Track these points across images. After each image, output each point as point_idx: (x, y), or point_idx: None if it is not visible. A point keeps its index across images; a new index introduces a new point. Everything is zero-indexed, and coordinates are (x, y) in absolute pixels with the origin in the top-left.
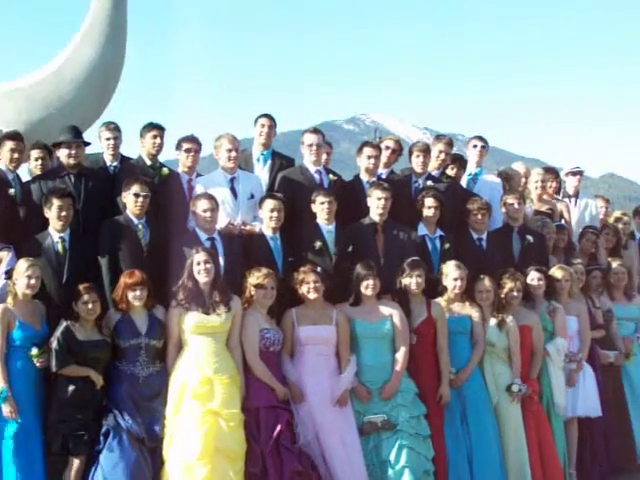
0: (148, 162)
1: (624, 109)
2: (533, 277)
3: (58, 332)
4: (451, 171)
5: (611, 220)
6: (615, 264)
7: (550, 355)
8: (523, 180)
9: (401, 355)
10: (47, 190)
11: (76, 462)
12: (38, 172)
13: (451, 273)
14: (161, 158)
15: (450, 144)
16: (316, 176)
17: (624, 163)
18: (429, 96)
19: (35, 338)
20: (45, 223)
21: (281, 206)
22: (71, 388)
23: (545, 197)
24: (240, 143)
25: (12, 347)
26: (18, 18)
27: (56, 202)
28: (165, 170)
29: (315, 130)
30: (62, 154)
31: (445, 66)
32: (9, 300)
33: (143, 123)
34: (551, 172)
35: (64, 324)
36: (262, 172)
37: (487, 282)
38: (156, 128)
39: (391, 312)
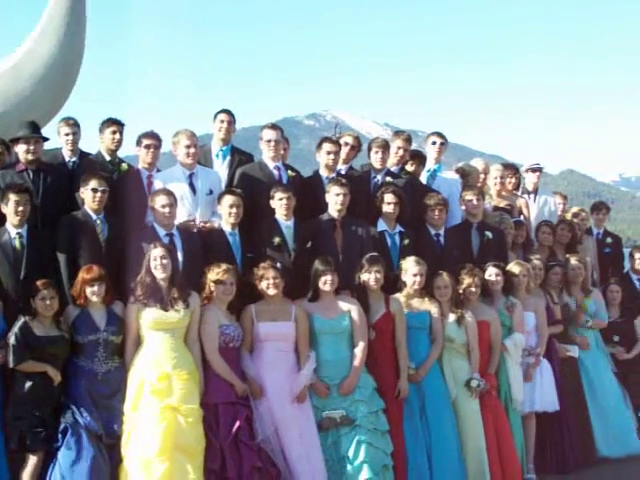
0: (107, 157)
1: (584, 106)
2: (491, 273)
3: (16, 328)
4: (410, 167)
5: (568, 216)
6: (573, 260)
7: (508, 350)
8: (482, 176)
9: (359, 350)
10: (4, 185)
11: (33, 459)
12: None
13: (410, 269)
14: (121, 154)
15: (409, 140)
16: (275, 172)
17: (583, 160)
18: (390, 92)
19: None
20: (2, 219)
21: (240, 202)
22: (28, 384)
23: (504, 193)
24: (199, 139)
25: None
26: None
27: (13, 197)
28: (124, 166)
29: (274, 126)
30: (20, 149)
31: (406, 62)
32: None
33: (102, 118)
34: (510, 168)
35: (22, 320)
36: (221, 168)
37: (446, 278)
38: (115, 124)
39: (349, 308)
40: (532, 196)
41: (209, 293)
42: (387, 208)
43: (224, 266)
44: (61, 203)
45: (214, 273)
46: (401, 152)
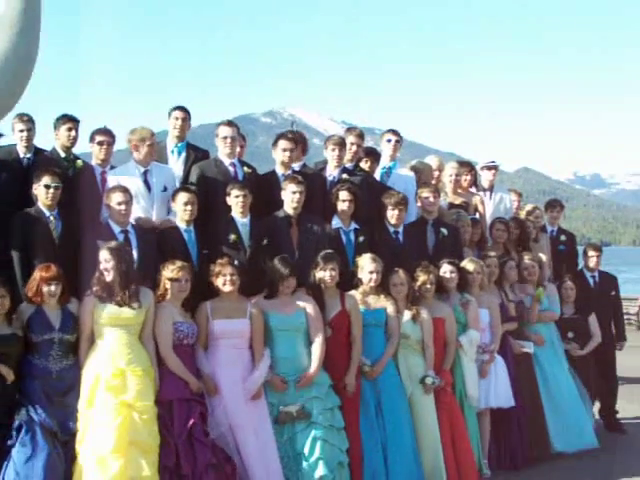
0: (62, 154)
1: (539, 104)
2: (446, 270)
3: None
4: (365, 164)
5: (523, 214)
6: (526, 259)
7: (463, 347)
8: (437, 173)
9: (318, 345)
10: None
11: None
12: None
13: (366, 266)
14: (75, 150)
15: (361, 136)
16: (230, 169)
17: (538, 158)
18: (347, 90)
19: None
20: None
21: (194, 199)
22: None
23: (460, 190)
24: (155, 136)
25: None
26: None
27: None
28: (79, 162)
29: (230, 122)
30: None
31: (361, 59)
32: None
33: (57, 115)
34: (466, 165)
35: None
36: (176, 164)
37: (401, 275)
38: (71, 120)
39: (305, 305)
40: (488, 193)
41: (164, 290)
42: (342, 205)
43: (179, 263)
44: (15, 200)
45: (169, 270)
46: (354, 148)
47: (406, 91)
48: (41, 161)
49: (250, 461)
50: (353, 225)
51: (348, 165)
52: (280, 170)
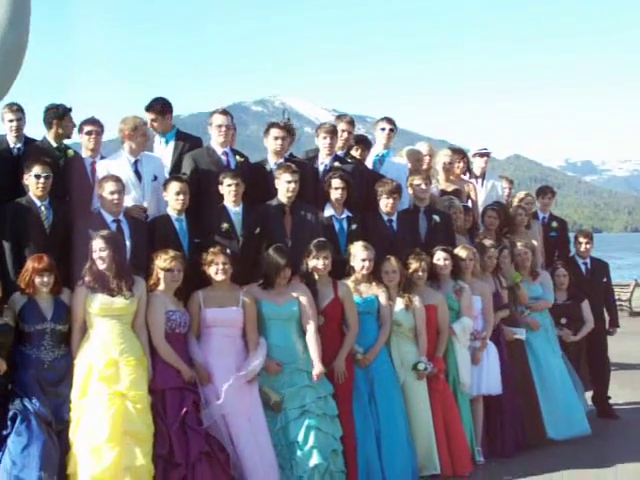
0: (54, 144)
1: (530, 91)
2: (439, 257)
3: None
4: (356, 152)
5: (516, 201)
6: (519, 245)
7: (456, 334)
8: (427, 159)
9: (312, 336)
10: None
11: None
12: None
13: (359, 254)
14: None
15: (352, 123)
16: (223, 158)
17: (529, 145)
18: (338, 78)
19: None
20: None
21: (186, 188)
22: None
23: (452, 178)
24: (146, 125)
25: None
26: None
27: None
28: (71, 152)
29: (224, 111)
30: None
31: (353, 48)
32: None
33: (46, 104)
34: (458, 153)
35: None
36: (165, 152)
37: (393, 262)
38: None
39: (298, 294)
40: (479, 181)
41: (156, 279)
42: (335, 193)
43: (172, 253)
44: (6, 190)
45: (162, 260)
46: (345, 135)
47: (397, 79)
48: (32, 151)
49: (244, 449)
50: (346, 213)
51: (339, 153)
52: (272, 159)
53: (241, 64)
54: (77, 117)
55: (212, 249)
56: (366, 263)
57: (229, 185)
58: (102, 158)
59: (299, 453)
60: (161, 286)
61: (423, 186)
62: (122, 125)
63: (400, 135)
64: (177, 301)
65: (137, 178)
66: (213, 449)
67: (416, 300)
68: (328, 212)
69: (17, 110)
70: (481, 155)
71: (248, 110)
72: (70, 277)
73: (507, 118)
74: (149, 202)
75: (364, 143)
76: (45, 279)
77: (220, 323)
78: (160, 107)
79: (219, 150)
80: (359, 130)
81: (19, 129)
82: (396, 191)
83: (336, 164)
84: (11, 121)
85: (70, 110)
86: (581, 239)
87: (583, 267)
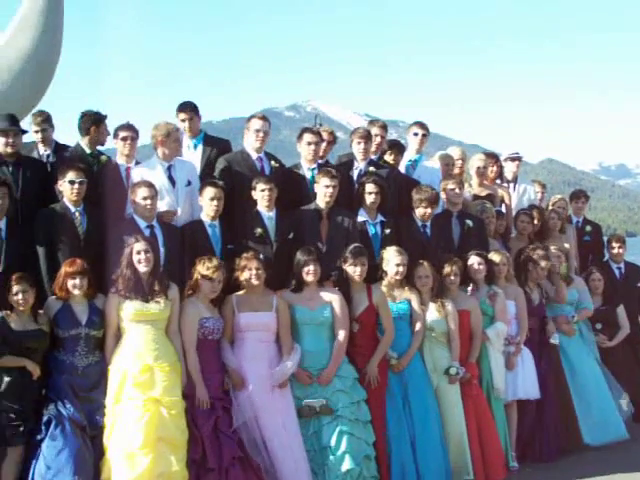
0: (87, 150)
1: (563, 95)
2: (474, 261)
3: None
4: (389, 157)
5: (549, 205)
6: (552, 249)
7: (490, 339)
8: (459, 163)
9: (339, 341)
10: None
11: (13, 452)
12: None
13: (392, 259)
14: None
15: (384, 127)
16: (257, 163)
17: (563, 149)
18: (370, 83)
19: None
20: None
21: (221, 194)
22: (7, 379)
23: (486, 182)
24: (179, 130)
25: None
26: None
27: None
28: (104, 158)
29: (263, 117)
30: None
31: (385, 53)
32: None
33: (80, 110)
34: (492, 157)
35: None
36: (193, 156)
37: (426, 267)
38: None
39: (331, 298)
40: (511, 185)
41: (195, 285)
42: (369, 198)
43: (215, 262)
44: (41, 196)
45: (204, 267)
46: (378, 139)
47: (429, 83)
48: (66, 157)
49: (277, 453)
50: (379, 217)
51: (373, 157)
52: (305, 164)
53: (273, 69)
54: (110, 123)
55: (245, 254)
56: (400, 268)
57: (262, 190)
58: (136, 164)
59: (331, 458)
60: (198, 292)
61: (457, 190)
62: (155, 131)
63: (432, 139)
64: (212, 307)
65: (171, 184)
66: (246, 454)
67: (449, 305)
68: (362, 217)
69: (42, 121)
70: (512, 159)
71: (280, 115)
72: (104, 283)
73: (540, 122)
74: (182, 207)
75: (397, 148)
76: (78, 282)
77: (254, 327)
78: (190, 108)
79: (254, 155)
80: (391, 135)
81: (45, 138)
82: (435, 201)
83: (371, 169)
84: (37, 132)
85: (106, 117)
86: (614, 243)
87: (617, 271)
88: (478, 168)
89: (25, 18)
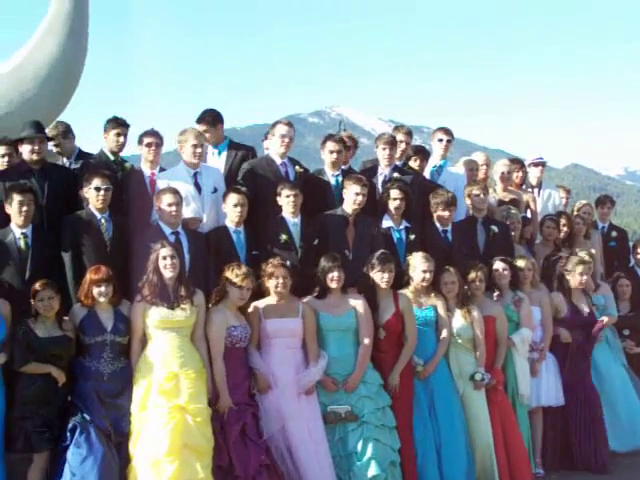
0: (111, 157)
1: (588, 99)
2: (498, 267)
3: (18, 330)
4: (414, 163)
5: (576, 210)
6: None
7: (515, 345)
8: (484, 169)
9: (364, 348)
10: (8, 185)
11: (39, 459)
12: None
13: (419, 265)
14: (124, 153)
15: (409, 133)
16: (281, 168)
17: (588, 154)
18: (394, 89)
19: None
20: (8, 219)
21: (245, 201)
22: (33, 385)
23: (510, 188)
24: (205, 138)
25: None
26: None
27: (16, 197)
28: (128, 165)
29: (288, 123)
30: (25, 150)
31: (409, 58)
32: None
33: (107, 117)
34: (516, 162)
35: (24, 322)
36: (218, 162)
37: (452, 273)
38: (120, 125)
39: (355, 304)
40: (536, 190)
41: (223, 292)
42: (393, 204)
43: (244, 269)
44: (67, 203)
45: (234, 275)
46: (403, 145)
47: (454, 89)
48: (90, 164)
49: (302, 459)
50: (404, 223)
51: (398, 163)
52: (329, 170)
53: (298, 76)
54: (134, 130)
55: (272, 261)
56: (427, 275)
57: (288, 196)
58: (161, 170)
59: (357, 464)
60: (226, 299)
61: (481, 196)
62: (181, 137)
63: (457, 145)
64: (239, 315)
65: (197, 190)
66: (272, 461)
67: (474, 311)
68: (386, 223)
69: (56, 135)
70: (536, 164)
71: (304, 121)
72: (129, 289)
73: (565, 127)
74: (208, 214)
75: (423, 154)
76: (103, 289)
77: (280, 334)
78: (211, 118)
79: (278, 160)
80: (416, 141)
81: (62, 150)
82: (452, 203)
83: (395, 175)
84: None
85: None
86: (639, 249)
87: None
88: (502, 173)
89: (51, 24)
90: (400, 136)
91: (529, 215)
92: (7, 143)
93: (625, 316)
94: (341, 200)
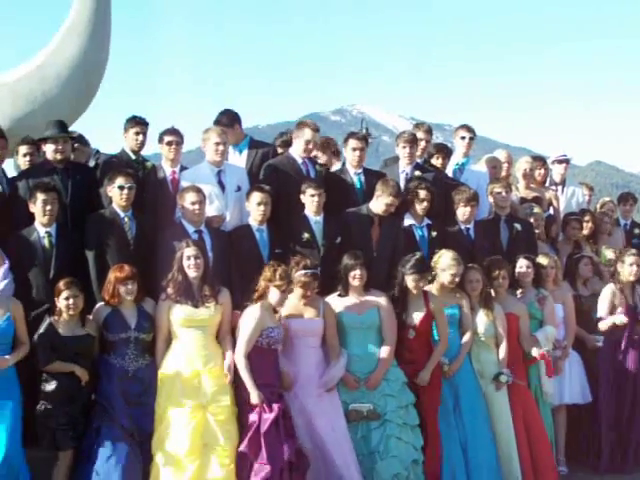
0: (132, 156)
1: (610, 96)
2: (522, 264)
3: (42, 328)
4: (436, 160)
5: (599, 207)
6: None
7: (539, 343)
8: (506, 166)
9: (387, 347)
10: (32, 185)
11: (64, 457)
12: (26, 168)
13: (449, 268)
14: (145, 151)
15: (429, 131)
16: (302, 167)
17: (611, 151)
18: (415, 86)
19: None
20: (32, 218)
21: (268, 199)
22: (56, 383)
23: (533, 185)
24: (227, 136)
25: None
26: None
27: (40, 196)
28: (149, 164)
29: (316, 128)
30: (49, 149)
31: (431, 55)
32: None
33: (127, 115)
34: (539, 160)
35: (47, 320)
36: (239, 161)
37: (476, 272)
38: (139, 124)
39: (378, 302)
40: (559, 188)
41: (262, 292)
42: (421, 204)
43: (280, 270)
44: (90, 202)
45: (277, 277)
46: (423, 143)
47: (475, 86)
48: (112, 162)
49: (330, 453)
50: (425, 221)
51: (419, 161)
52: (351, 169)
53: (319, 74)
54: (157, 128)
55: (295, 258)
56: (456, 278)
57: (312, 195)
58: (182, 169)
59: (379, 462)
60: (264, 301)
61: (504, 194)
62: (205, 135)
63: (479, 142)
64: (274, 315)
65: (220, 189)
66: (299, 458)
67: (497, 308)
68: (408, 221)
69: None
70: (560, 162)
71: (326, 120)
72: (153, 287)
73: (588, 124)
74: (232, 212)
75: (445, 151)
76: (129, 287)
77: (302, 333)
78: (227, 119)
79: (299, 159)
80: (437, 138)
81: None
82: (473, 199)
83: (417, 173)
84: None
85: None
86: None
87: None
88: (525, 171)
89: (73, 25)
90: (420, 134)
91: (552, 212)
92: (29, 142)
93: None
94: (364, 198)
